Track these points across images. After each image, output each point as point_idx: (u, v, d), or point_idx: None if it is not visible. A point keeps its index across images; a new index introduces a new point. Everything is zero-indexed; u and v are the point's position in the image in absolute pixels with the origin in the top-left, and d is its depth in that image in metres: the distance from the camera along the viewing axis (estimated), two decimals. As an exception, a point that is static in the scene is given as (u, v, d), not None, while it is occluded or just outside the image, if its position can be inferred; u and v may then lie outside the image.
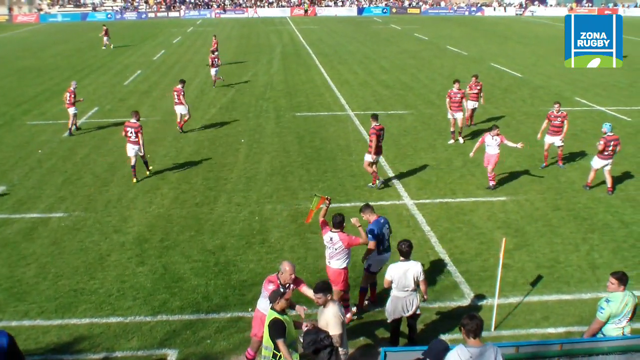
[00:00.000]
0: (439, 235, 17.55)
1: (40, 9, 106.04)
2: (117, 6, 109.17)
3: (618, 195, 20.59)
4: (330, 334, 9.47)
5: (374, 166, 21.24)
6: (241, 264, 15.90)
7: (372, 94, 37.24)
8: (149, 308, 13.88)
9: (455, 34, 75.84)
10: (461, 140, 26.81)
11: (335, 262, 12.74)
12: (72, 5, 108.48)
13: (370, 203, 14.30)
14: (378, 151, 20.87)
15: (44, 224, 18.58)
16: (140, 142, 22.00)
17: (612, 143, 20.04)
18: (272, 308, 9.76)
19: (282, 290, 10.07)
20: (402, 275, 11.76)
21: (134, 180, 22.22)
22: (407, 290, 11.87)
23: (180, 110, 28.75)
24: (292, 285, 10.76)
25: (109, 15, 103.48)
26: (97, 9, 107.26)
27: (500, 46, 62.65)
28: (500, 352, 8.53)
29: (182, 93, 28.39)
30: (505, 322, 13.27)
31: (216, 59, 40.35)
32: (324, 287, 10.09)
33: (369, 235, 13.11)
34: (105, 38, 61.34)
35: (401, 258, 11.93)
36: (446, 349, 8.46)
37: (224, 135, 28.03)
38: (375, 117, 21.07)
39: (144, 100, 35.27)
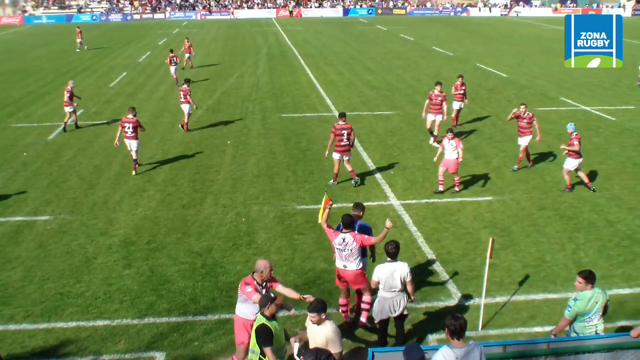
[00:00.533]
0: (425, 236, 17.58)
1: (25, 11, 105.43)
2: (102, 8, 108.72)
3: (603, 194, 20.70)
4: (332, 352, 9.12)
5: (348, 165, 21.47)
6: (228, 266, 15.87)
7: (358, 95, 37.28)
8: (136, 311, 13.83)
9: (440, 34, 76.08)
10: (435, 144, 26.06)
11: (352, 263, 12.52)
12: (56, 7, 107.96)
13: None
14: (341, 150, 21.06)
15: (29, 227, 18.48)
16: (138, 137, 23.10)
17: (579, 141, 20.41)
18: (261, 313, 9.68)
19: (272, 295, 9.88)
20: (389, 276, 11.75)
21: (133, 173, 23.06)
22: (394, 291, 11.86)
23: (187, 109, 29.20)
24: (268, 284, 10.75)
25: (94, 17, 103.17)
26: (82, 10, 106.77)
27: (486, 46, 62.90)
28: (484, 351, 8.56)
29: (189, 92, 29.07)
30: (492, 322, 13.31)
31: (175, 57, 41.97)
32: (318, 307, 9.69)
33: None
34: (78, 40, 61.06)
35: (388, 259, 11.93)
36: (422, 358, 8.32)
37: (210, 137, 27.98)
38: (340, 115, 21.48)
39: (130, 102, 35.07)
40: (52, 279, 15.28)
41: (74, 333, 13.00)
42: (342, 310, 13.18)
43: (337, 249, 12.60)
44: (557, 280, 15.07)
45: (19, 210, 19.80)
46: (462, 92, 28.76)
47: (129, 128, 22.81)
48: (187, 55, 48.58)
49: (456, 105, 28.81)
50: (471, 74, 45.05)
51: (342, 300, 13.17)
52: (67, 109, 29.39)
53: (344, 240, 12.45)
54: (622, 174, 22.75)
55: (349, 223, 12.55)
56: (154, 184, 21.96)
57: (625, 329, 11.89)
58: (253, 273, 10.84)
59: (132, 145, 23.04)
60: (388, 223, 12.52)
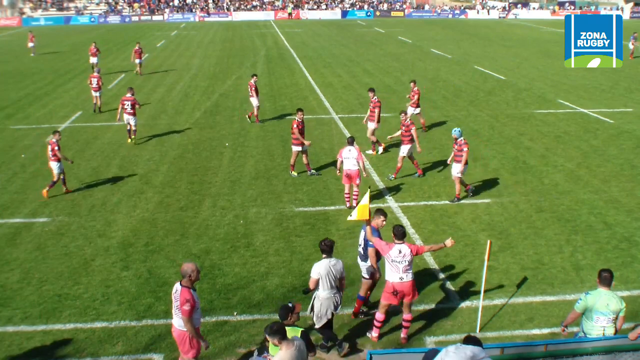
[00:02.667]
0: (423, 238, 17.59)
1: (23, 13, 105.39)
2: (100, 10, 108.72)
3: (601, 197, 20.72)
4: None
5: (304, 157, 22.47)
6: (226, 268, 15.87)
7: (356, 97, 37.29)
8: (134, 312, 13.82)
9: (438, 36, 76.15)
10: (371, 151, 25.97)
11: (409, 274, 12.23)
12: (55, 9, 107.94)
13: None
14: (299, 143, 22.34)
15: (27, 228, 18.47)
16: (136, 113, 27.29)
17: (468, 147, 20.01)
18: (286, 325, 9.47)
19: (290, 305, 9.73)
20: (329, 271, 11.85)
21: (129, 140, 27.32)
22: (334, 289, 11.98)
23: (255, 102, 30.28)
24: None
25: (92, 19, 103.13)
26: (80, 12, 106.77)
27: (484, 49, 62.94)
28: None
29: (255, 86, 30.06)
30: (490, 324, 13.32)
31: (140, 50, 46.33)
32: (278, 330, 9.00)
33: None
34: (30, 45, 59.81)
35: (324, 255, 12.04)
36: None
37: (208, 139, 27.98)
38: (298, 109, 23.01)
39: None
40: (50, 281, 15.27)
41: (71, 335, 12.99)
42: (376, 326, 12.72)
43: (392, 261, 12.16)
44: (555, 282, 15.08)
45: (17, 212, 19.78)
46: (416, 98, 28.32)
47: (128, 105, 26.94)
48: (137, 60, 46.99)
49: (410, 110, 28.16)
50: (469, 76, 45.14)
51: (380, 316, 12.65)
52: (95, 94, 33.45)
53: (400, 251, 12.12)
54: (620, 176, 22.76)
55: (402, 234, 12.26)
56: (152, 186, 21.96)
57: (623, 331, 11.92)
58: (182, 279, 10.60)
59: (130, 120, 27.16)
60: (449, 242, 12.45)
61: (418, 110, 28.87)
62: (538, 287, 14.89)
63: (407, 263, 12.10)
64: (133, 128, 27.32)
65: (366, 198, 13.22)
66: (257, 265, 15.99)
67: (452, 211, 19.58)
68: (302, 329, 9.52)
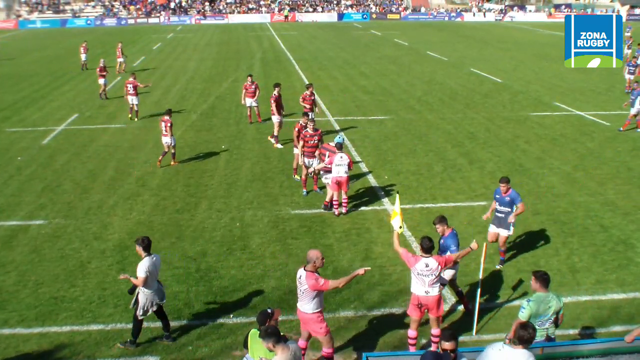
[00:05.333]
0: (420, 241, 17.53)
1: (19, 16, 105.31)
2: (97, 12, 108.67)
3: (597, 199, 20.75)
4: None
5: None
6: (222, 271, 15.86)
7: (352, 100, 37.32)
8: (131, 315, 13.76)
9: (435, 39, 76.25)
10: (279, 145, 27.19)
11: (435, 288, 11.89)
12: (51, 12, 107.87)
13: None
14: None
15: (23, 231, 18.44)
16: (138, 94, 32.47)
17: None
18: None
19: (269, 310, 9.75)
20: (154, 270, 12.44)
21: (129, 116, 32.56)
22: (157, 283, 12.68)
23: (276, 119, 28.19)
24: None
25: (88, 22, 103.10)
26: (76, 15, 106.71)
27: (480, 51, 63.03)
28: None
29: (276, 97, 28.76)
30: (487, 327, 13.32)
31: (120, 50, 49.37)
32: (273, 332, 8.94)
33: (453, 248, 12.99)
34: (83, 56, 59.97)
35: (145, 254, 12.57)
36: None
37: (204, 142, 27.97)
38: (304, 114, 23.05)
39: (124, 106, 35.03)
40: (46, 284, 15.25)
41: (68, 337, 12.98)
42: (410, 344, 12.39)
43: (418, 274, 11.85)
44: (551, 285, 14.97)
45: (13, 214, 19.76)
46: (310, 102, 27.85)
47: (130, 88, 32.00)
48: (119, 59, 49.57)
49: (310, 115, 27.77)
50: (465, 79, 45.18)
51: (412, 333, 12.30)
52: (101, 82, 38.33)
53: (427, 265, 11.77)
54: (617, 179, 22.79)
55: (430, 247, 11.88)
56: (148, 189, 21.94)
57: (620, 334, 11.93)
58: (306, 265, 11.09)
59: (133, 100, 32.33)
60: (474, 245, 12.37)
61: (312, 115, 27.72)
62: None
63: (433, 277, 11.77)
64: (135, 109, 32.47)
65: (397, 203, 13.36)
66: (254, 267, 15.99)
67: (449, 214, 19.44)
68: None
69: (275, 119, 27.44)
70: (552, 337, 10.54)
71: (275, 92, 27.17)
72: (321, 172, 20.37)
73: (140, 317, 12.49)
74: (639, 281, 15.29)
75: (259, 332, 9.47)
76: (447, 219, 13.59)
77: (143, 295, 12.40)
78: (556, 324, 10.61)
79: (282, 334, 9.26)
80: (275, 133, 27.37)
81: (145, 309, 12.45)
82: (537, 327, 10.17)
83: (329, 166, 19.20)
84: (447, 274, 13.22)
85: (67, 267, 16.10)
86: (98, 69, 38.25)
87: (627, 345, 9.83)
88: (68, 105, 36.40)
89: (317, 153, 20.59)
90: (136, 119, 32.55)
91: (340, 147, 19.46)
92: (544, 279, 10.48)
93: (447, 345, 8.54)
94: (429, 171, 23.61)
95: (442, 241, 13.30)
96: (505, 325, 13.37)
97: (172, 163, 24.63)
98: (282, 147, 26.93)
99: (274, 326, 9.25)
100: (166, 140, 24.20)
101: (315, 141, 20.78)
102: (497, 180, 22.13)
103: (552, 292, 10.60)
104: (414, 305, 12.05)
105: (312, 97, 27.53)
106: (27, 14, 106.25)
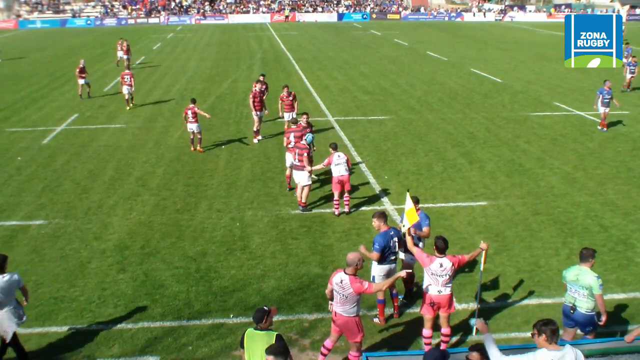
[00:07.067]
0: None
1: (19, 16, 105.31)
2: (97, 12, 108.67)
3: (597, 199, 20.74)
4: None
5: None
6: (222, 270, 15.86)
7: (352, 100, 37.31)
8: (130, 315, 13.81)
9: (434, 39, 76.25)
10: (256, 140, 28.23)
11: (448, 288, 11.95)
12: (51, 12, 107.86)
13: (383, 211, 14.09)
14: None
15: (23, 231, 18.44)
16: (133, 85, 35.05)
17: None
18: (261, 329, 9.48)
19: (266, 308, 9.67)
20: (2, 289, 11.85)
21: (127, 107, 34.78)
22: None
23: (287, 117, 28.54)
24: None
25: (88, 22, 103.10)
26: (76, 15, 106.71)
27: (480, 51, 63.02)
28: (580, 353, 8.85)
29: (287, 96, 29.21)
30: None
31: (121, 46, 50.88)
32: (280, 350, 8.50)
33: (375, 245, 12.99)
34: (121, 54, 59.71)
35: None
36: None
37: (204, 142, 27.92)
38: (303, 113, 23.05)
39: (125, 106, 35.10)
40: (46, 284, 15.25)
41: (68, 337, 12.98)
42: (425, 343, 12.38)
43: (432, 274, 11.89)
44: (551, 285, 15.08)
45: (13, 214, 19.75)
46: (289, 101, 27.96)
47: (127, 78, 34.54)
48: (125, 57, 50.50)
49: (287, 116, 27.87)
50: (465, 79, 45.19)
51: (427, 332, 12.27)
52: (80, 82, 38.56)
53: (441, 265, 11.83)
54: (617, 179, 22.79)
55: (444, 248, 11.95)
56: (148, 189, 21.94)
57: (620, 334, 11.94)
58: (346, 269, 11.01)
59: (130, 89, 34.67)
60: (484, 245, 12.40)
61: (293, 114, 28.06)
62: (534, 289, 14.89)
63: (447, 277, 11.84)
64: (131, 96, 35.10)
65: (409, 201, 13.14)
66: (254, 267, 15.98)
67: (449, 214, 19.58)
68: (276, 333, 9.44)
69: (255, 114, 28.25)
70: (582, 311, 11.59)
71: (256, 88, 28.50)
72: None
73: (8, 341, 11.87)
74: (639, 281, 15.29)
75: (255, 331, 9.51)
76: (386, 217, 13.50)
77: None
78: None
79: (283, 338, 9.29)
80: (255, 128, 28.30)
81: (7, 331, 11.71)
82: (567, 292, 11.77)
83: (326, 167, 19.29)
84: (403, 255, 13.64)
85: (67, 267, 16.10)
86: (78, 70, 38.34)
87: (627, 345, 9.83)
88: (68, 105, 36.40)
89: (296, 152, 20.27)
90: (132, 104, 35.45)
91: (336, 147, 19.64)
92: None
93: (474, 355, 8.71)
94: (429, 171, 23.61)
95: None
96: (504, 325, 13.38)
97: (198, 149, 26.52)
98: (259, 141, 28.16)
99: (283, 345, 8.87)
100: (191, 127, 26.12)
101: (291, 139, 21.19)
102: (497, 180, 22.20)
103: (589, 270, 11.52)
104: (428, 304, 12.09)
105: (290, 98, 27.94)
106: (27, 14, 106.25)
